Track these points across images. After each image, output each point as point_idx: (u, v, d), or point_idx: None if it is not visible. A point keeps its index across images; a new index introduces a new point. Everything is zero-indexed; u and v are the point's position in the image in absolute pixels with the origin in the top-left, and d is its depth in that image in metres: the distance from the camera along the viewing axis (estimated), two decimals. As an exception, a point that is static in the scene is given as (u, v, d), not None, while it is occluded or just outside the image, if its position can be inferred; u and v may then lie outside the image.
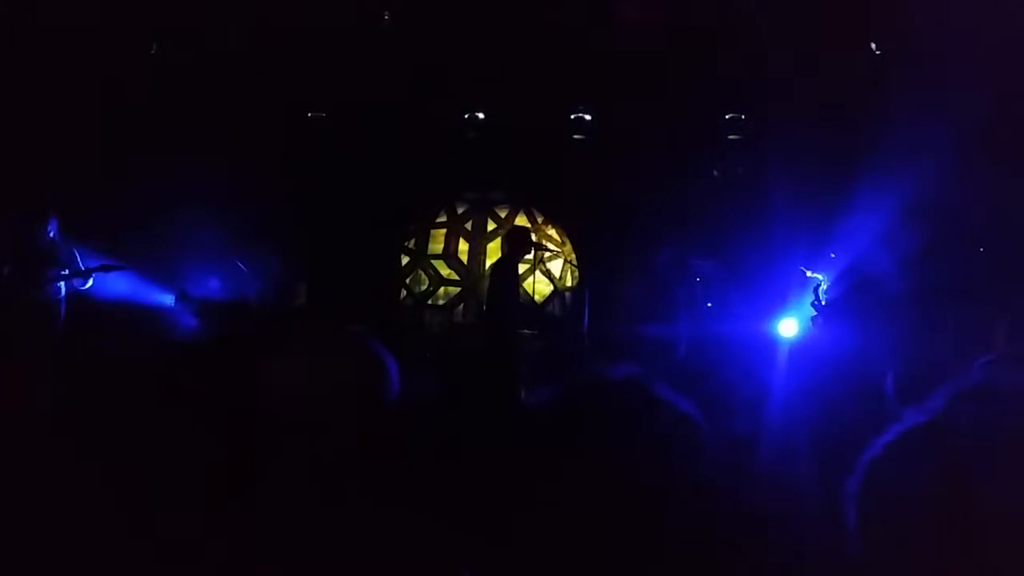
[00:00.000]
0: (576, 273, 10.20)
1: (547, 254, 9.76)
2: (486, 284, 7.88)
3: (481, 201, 10.41)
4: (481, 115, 9.84)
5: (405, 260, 10.36)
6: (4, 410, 1.86)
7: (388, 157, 9.33)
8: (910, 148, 6.98)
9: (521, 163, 9.57)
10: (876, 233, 7.50)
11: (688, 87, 8.79)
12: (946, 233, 7.82)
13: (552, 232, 10.30)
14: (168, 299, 8.46)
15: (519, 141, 9.50)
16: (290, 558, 1.51)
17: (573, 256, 10.26)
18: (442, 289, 10.35)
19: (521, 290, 8.30)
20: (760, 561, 1.46)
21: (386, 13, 8.89)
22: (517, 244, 7.49)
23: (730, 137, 9.65)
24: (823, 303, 7.77)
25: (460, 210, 10.41)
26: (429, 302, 10.32)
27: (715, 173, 9.78)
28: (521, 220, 10.07)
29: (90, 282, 7.04)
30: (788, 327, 7.90)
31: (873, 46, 8.68)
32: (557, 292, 10.27)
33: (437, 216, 10.43)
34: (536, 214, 10.30)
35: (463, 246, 10.35)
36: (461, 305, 10.26)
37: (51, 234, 6.93)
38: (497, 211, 10.37)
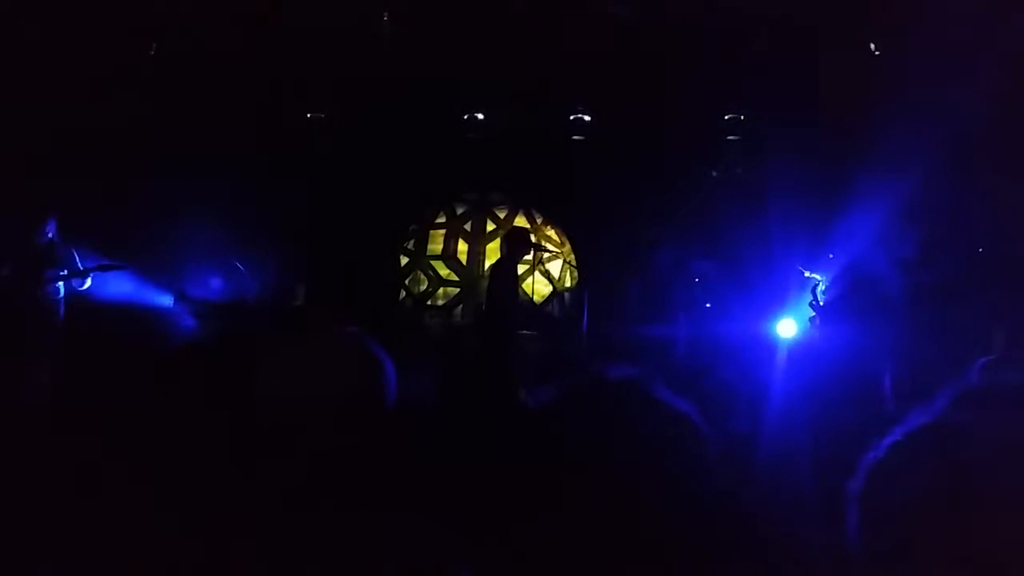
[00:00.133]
0: (575, 274, 10.20)
1: (546, 255, 9.77)
2: (485, 285, 7.89)
3: (480, 202, 10.41)
4: (480, 116, 9.85)
5: (404, 261, 10.36)
6: (3, 409, 1.86)
7: (387, 158, 9.34)
8: (908, 148, 6.99)
9: (520, 164, 9.57)
10: (874, 234, 7.50)
11: (687, 88, 8.79)
12: (944, 233, 7.83)
13: (551, 233, 10.30)
14: (167, 299, 8.45)
15: (518, 142, 9.50)
16: (289, 558, 1.51)
17: (572, 257, 10.26)
18: (441, 290, 10.34)
19: (520, 291, 8.31)
20: (758, 560, 1.46)
21: (385, 14, 8.88)
22: (516, 245, 7.49)
23: (729, 138, 9.66)
24: (821, 303, 7.78)
25: (459, 211, 10.42)
26: (428, 303, 10.32)
27: (714, 174, 9.79)
28: (520, 221, 10.07)
29: (88, 282, 7.04)
30: (786, 327, 7.90)
31: (872, 46, 8.68)
32: (556, 293, 10.27)
33: (436, 217, 10.43)
34: (535, 215, 10.31)
35: (462, 247, 10.35)
36: (460, 306, 10.26)
37: (49, 234, 6.93)
38: (496, 212, 10.37)
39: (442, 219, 10.43)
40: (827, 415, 2.53)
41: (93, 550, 1.53)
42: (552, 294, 10.27)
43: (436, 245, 10.39)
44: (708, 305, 8.74)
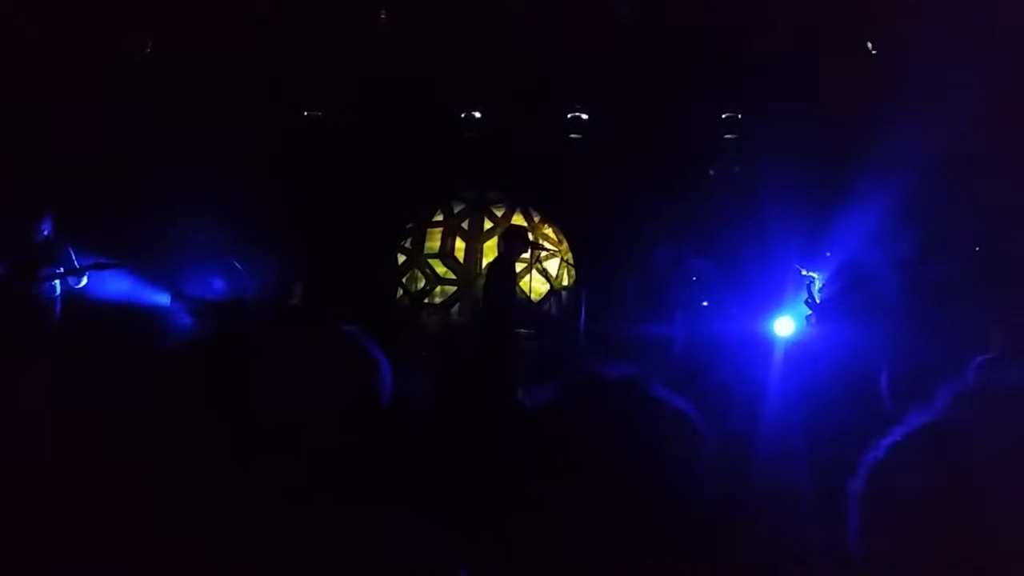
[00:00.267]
0: (573, 272, 10.20)
1: (544, 253, 9.77)
2: (482, 283, 7.88)
3: (478, 200, 10.40)
4: (478, 114, 9.84)
5: (402, 259, 10.35)
6: (0, 407, 1.85)
7: (385, 156, 9.33)
8: (906, 147, 7.00)
9: (518, 162, 9.57)
10: (871, 232, 7.51)
11: (684, 86, 8.80)
12: (941, 232, 7.84)
13: (549, 231, 10.30)
14: (164, 298, 8.44)
15: (516, 140, 9.50)
16: (288, 557, 1.51)
17: (570, 255, 10.26)
18: (439, 288, 10.34)
19: (518, 289, 8.30)
20: (756, 559, 1.47)
21: (382, 12, 8.88)
22: (514, 243, 7.49)
23: (726, 136, 9.67)
24: (818, 302, 7.79)
25: (457, 209, 10.40)
26: (426, 301, 10.31)
27: (711, 172, 9.80)
28: (518, 219, 10.06)
29: (84, 280, 7.03)
30: (783, 326, 7.91)
31: (870, 45, 8.69)
32: (554, 291, 10.27)
33: (434, 215, 10.42)
34: (533, 213, 10.30)
35: (460, 245, 10.35)
36: (457, 304, 10.25)
37: (45, 232, 6.92)
38: (494, 210, 10.36)
39: (440, 217, 10.42)
40: (824, 413, 2.53)
41: (92, 550, 1.53)
42: (549, 292, 10.26)
43: (434, 243, 10.38)
44: (705, 303, 8.74)
